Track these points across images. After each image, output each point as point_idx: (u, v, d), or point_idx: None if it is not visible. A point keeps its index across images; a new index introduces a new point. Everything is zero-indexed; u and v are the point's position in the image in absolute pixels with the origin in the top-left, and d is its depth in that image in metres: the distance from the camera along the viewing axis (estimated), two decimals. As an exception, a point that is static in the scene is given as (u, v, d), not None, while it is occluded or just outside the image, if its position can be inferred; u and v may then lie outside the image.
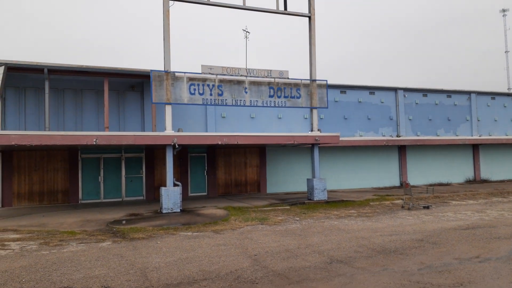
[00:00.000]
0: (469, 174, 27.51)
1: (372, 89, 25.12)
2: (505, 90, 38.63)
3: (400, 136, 25.11)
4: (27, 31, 68.42)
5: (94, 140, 14.32)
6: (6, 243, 9.87)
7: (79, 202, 18.63)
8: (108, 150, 19.17)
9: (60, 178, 18.53)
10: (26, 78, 17.82)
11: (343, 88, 24.35)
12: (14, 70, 16.31)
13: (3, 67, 15.37)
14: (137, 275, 7.07)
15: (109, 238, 10.46)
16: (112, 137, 14.72)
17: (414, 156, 25.95)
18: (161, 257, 8.32)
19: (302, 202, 17.16)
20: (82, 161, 18.94)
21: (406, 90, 26.02)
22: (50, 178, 18.37)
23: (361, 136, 24.45)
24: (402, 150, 25.42)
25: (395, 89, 25.70)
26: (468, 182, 26.95)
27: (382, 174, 24.99)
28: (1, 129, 17.13)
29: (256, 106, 17.00)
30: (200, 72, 16.00)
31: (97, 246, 9.43)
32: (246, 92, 16.76)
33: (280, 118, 22.57)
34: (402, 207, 15.66)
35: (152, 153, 20.00)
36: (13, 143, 13.41)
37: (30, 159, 18.09)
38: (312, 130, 18.18)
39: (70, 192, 18.54)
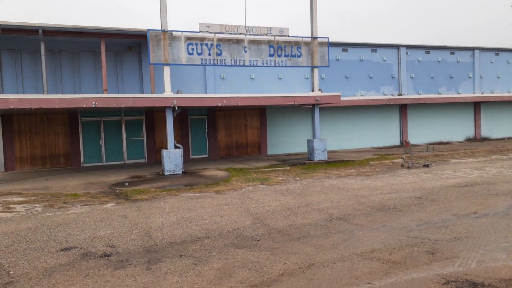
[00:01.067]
0: (470, 132, 27.50)
1: (374, 47, 24.62)
2: (510, 46, 37.80)
3: (401, 95, 24.88)
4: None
5: (93, 102, 14.20)
6: (11, 205, 10.04)
7: (82, 165, 18.79)
8: (107, 113, 19.09)
9: (62, 142, 18.58)
10: (21, 40, 17.45)
11: (345, 46, 23.87)
12: (8, 31, 15.94)
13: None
14: (141, 234, 7.23)
15: (112, 199, 10.62)
16: (111, 100, 14.59)
17: (415, 115, 25.83)
18: (165, 217, 8.48)
19: (302, 162, 17.28)
20: (83, 125, 18.91)
21: (408, 47, 25.50)
22: (51, 142, 18.43)
23: (362, 95, 24.24)
24: (403, 109, 25.26)
25: (397, 46, 25.19)
26: (469, 140, 27.00)
27: (382, 134, 24.99)
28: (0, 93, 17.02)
29: (256, 66, 16.72)
30: (198, 30, 15.61)
31: (101, 208, 9.60)
32: (245, 52, 16.43)
33: (280, 78, 22.29)
34: (402, 166, 15.78)
35: (152, 116, 19.93)
36: (12, 106, 13.31)
37: (31, 123, 18.06)
38: (313, 90, 17.98)
39: (72, 156, 18.66)
